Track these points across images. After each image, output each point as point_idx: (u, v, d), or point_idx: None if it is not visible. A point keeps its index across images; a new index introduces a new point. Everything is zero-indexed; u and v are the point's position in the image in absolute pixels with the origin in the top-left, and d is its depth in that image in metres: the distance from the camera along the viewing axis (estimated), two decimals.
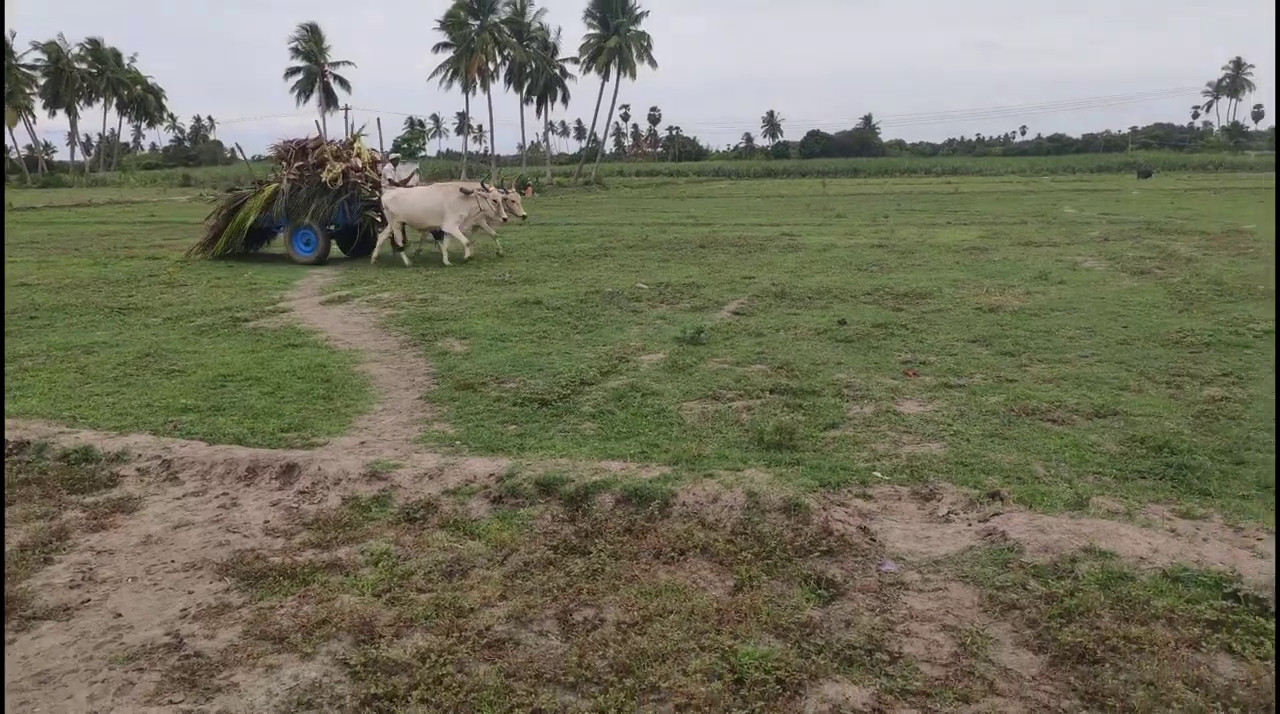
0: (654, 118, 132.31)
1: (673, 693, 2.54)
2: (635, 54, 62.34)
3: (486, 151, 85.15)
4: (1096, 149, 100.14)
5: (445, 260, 15.00)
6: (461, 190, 15.12)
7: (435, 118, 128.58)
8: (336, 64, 75.46)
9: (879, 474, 4.64)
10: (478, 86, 62.12)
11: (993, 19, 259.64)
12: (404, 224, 15.50)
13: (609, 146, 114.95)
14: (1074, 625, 2.80)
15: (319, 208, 15.78)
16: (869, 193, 44.40)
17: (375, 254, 15.94)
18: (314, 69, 74.02)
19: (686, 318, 9.57)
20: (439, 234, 15.57)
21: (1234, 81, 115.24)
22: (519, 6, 63.49)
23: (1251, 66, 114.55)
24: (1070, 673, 2.60)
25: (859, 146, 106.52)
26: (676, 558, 3.35)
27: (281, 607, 3.20)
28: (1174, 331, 8.33)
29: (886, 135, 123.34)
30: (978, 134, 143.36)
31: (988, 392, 6.44)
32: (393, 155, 19.68)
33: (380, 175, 16.77)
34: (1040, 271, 12.57)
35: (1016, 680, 2.61)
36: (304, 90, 74.45)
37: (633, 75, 63.13)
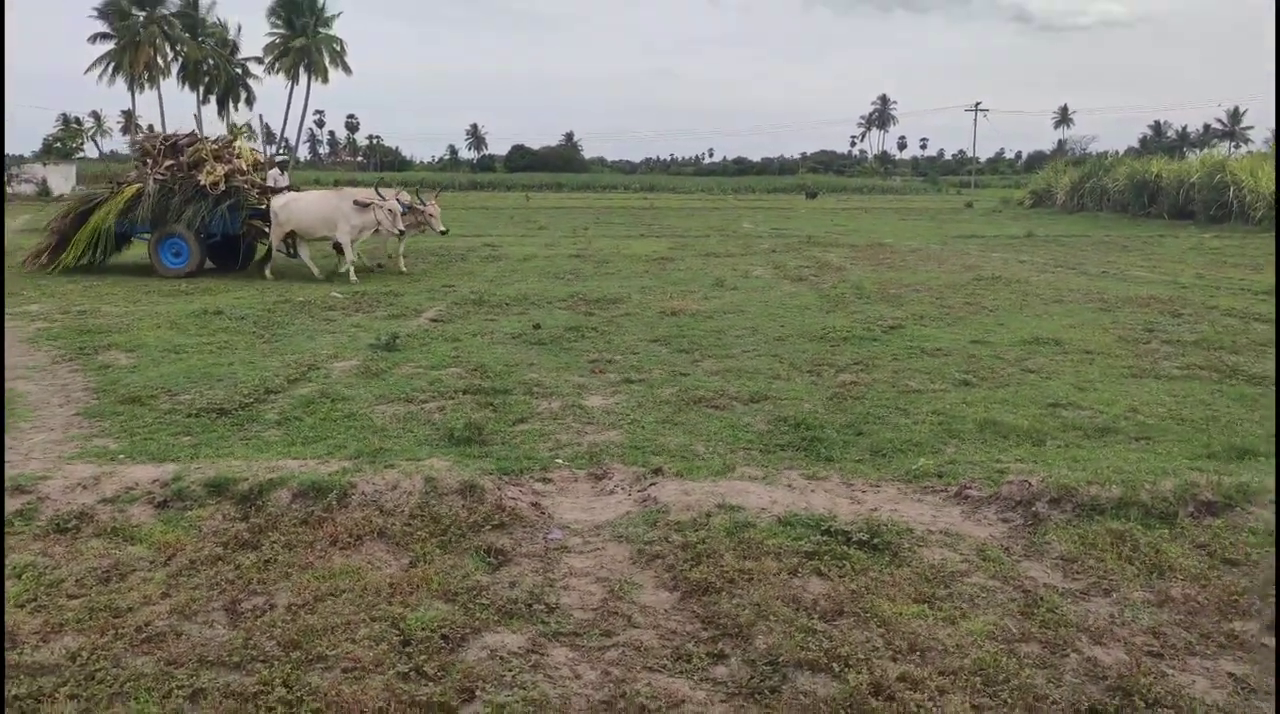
0: (352, 125, 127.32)
1: (340, 659, 2.64)
2: (327, 58, 59.74)
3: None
4: (773, 171, 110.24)
5: (351, 276, 13.40)
6: (355, 202, 13.48)
7: (96, 115, 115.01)
8: None
9: (560, 460, 4.97)
10: (145, 83, 56.24)
11: (670, 49, 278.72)
12: (289, 234, 13.86)
13: (303, 153, 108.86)
14: (702, 566, 3.26)
15: (195, 214, 13.76)
16: (571, 207, 45.81)
17: (268, 269, 14.12)
18: None
19: (383, 325, 9.47)
20: (339, 247, 14.03)
21: (882, 115, 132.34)
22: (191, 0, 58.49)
23: (895, 103, 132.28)
24: (695, 603, 3.04)
25: (562, 162, 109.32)
26: (353, 543, 3.43)
27: None
28: (820, 329, 9.53)
29: (589, 152, 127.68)
30: (671, 154, 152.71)
31: (664, 385, 7.04)
32: (279, 158, 17.74)
33: (264, 179, 14.95)
34: (717, 279, 13.77)
35: (653, 615, 3.00)
36: None
37: (325, 79, 60.45)
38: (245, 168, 14.66)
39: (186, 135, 15.11)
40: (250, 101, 63.90)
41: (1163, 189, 32.16)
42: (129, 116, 72.35)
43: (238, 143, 15.37)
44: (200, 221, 13.85)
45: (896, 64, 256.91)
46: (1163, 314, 10.40)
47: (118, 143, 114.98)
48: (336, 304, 10.94)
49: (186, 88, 60.27)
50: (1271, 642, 2.77)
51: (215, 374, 7.06)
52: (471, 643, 2.76)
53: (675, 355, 8.25)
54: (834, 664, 2.63)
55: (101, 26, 55.19)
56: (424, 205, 14.71)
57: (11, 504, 3.56)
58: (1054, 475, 3.94)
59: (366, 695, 2.44)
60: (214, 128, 60.49)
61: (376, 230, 13.65)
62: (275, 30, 59.73)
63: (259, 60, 61.44)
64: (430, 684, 2.53)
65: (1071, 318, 10.24)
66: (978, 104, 66.01)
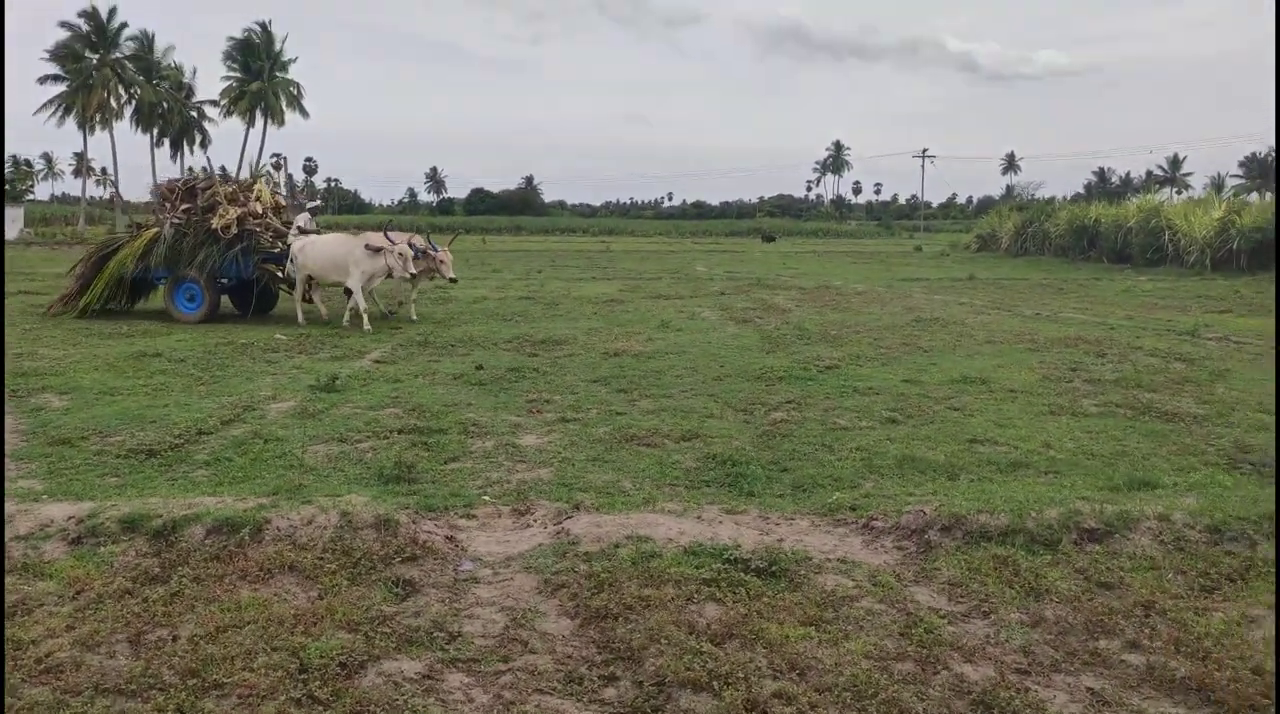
0: (310, 168, 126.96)
1: (235, 686, 2.70)
2: (284, 101, 59.81)
3: (112, 196, 76.51)
4: (731, 215, 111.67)
5: (365, 325, 12.78)
6: (367, 246, 12.95)
7: (47, 157, 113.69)
8: None
9: (487, 497, 5.06)
10: (98, 125, 55.72)
11: (632, 95, 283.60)
12: (310, 278, 13.49)
13: None
14: (603, 594, 3.37)
15: (207, 258, 13.42)
16: (529, 249, 46.07)
17: (301, 317, 13.62)
18: None
19: (325, 367, 9.50)
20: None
21: (836, 160, 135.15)
22: (146, 43, 58.20)
23: (848, 149, 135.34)
24: (594, 629, 3.15)
25: (521, 205, 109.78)
26: (263, 577, 3.49)
27: None
28: (759, 369, 9.73)
29: (549, 196, 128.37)
30: (631, 198, 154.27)
31: (599, 423, 7.16)
32: (311, 204, 16.69)
33: (283, 222, 14.50)
34: (663, 320, 13.98)
35: (551, 641, 3.10)
36: None
37: (280, 123, 60.41)
38: (260, 211, 14.31)
39: (205, 178, 14.87)
40: (205, 144, 63.67)
41: (1101, 233, 33.21)
42: (81, 158, 71.59)
43: (258, 185, 15.02)
44: (212, 266, 13.56)
45: (851, 111, 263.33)
46: (1088, 354, 10.76)
47: (69, 185, 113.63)
48: (280, 346, 10.95)
49: (140, 130, 59.93)
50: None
51: (149, 416, 7.05)
52: (369, 670, 2.84)
53: (614, 395, 8.38)
54: (715, 683, 2.75)
55: (53, 68, 54.76)
56: (435, 251, 13.98)
57: None
58: (947, 505, 4.13)
59: None
60: (168, 171, 59.90)
61: (389, 275, 13.29)
62: (232, 74, 59.76)
63: (215, 103, 61.36)
64: (322, 709, 2.60)
65: (1001, 358, 10.56)
66: (924, 151, 67.98)
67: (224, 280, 13.98)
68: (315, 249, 13.41)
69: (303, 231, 14.41)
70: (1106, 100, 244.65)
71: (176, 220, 13.93)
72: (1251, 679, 2.78)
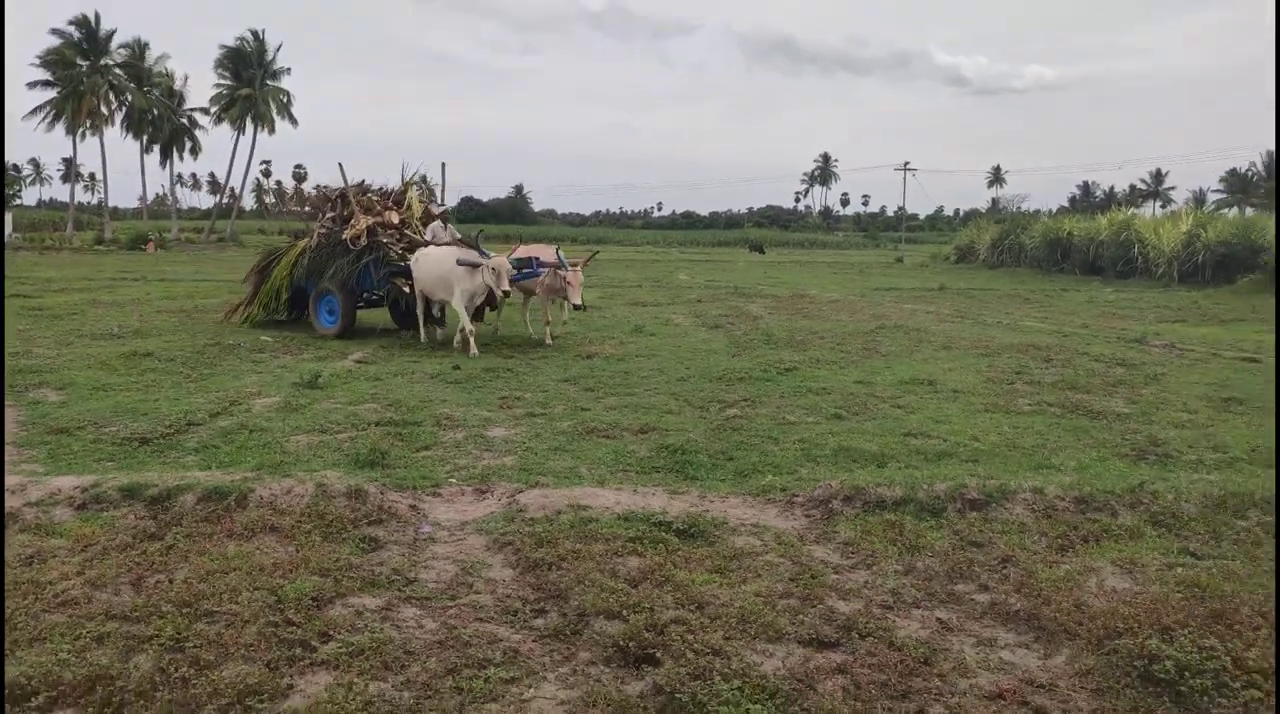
0: (299, 175, 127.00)
1: (223, 615, 3.22)
2: (275, 109, 60.18)
3: (100, 202, 76.70)
4: (720, 226, 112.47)
5: (472, 349, 11.35)
6: (458, 261, 11.51)
7: (35, 162, 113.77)
8: None
9: (453, 480, 5.57)
10: (88, 131, 55.97)
11: (622, 106, 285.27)
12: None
13: (249, 203, 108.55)
14: (543, 549, 3.90)
15: (338, 270, 12.77)
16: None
17: (426, 333, 12.55)
18: None
19: (308, 366, 9.98)
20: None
21: (824, 172, 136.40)
22: (137, 50, 58.56)
23: (836, 161, 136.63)
24: (531, 576, 3.68)
25: (512, 213, 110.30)
26: (248, 535, 4.00)
27: None
28: (721, 371, 10.27)
29: (540, 205, 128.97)
30: (621, 207, 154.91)
31: (564, 418, 7.67)
32: (440, 209, 14.55)
33: (421, 233, 13.35)
34: (637, 326, 14.51)
35: (494, 585, 3.63)
36: None
37: (271, 130, 60.73)
38: (396, 221, 13.29)
39: (356, 185, 13.83)
40: (195, 151, 63.88)
41: (1074, 246, 34.03)
42: (70, 164, 71.80)
43: (409, 193, 14.02)
44: (344, 278, 12.75)
45: (839, 123, 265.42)
46: (1035, 359, 11.34)
47: (58, 190, 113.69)
48: (266, 347, 11.43)
49: (130, 137, 60.20)
50: None
51: (141, 409, 7.53)
52: (336, 604, 3.37)
53: (581, 393, 8.89)
54: (625, 612, 3.28)
55: (43, 74, 55.01)
56: (565, 269, 12.08)
57: None
58: (850, 479, 4.67)
59: (241, 637, 3.03)
60: (156, 178, 59.85)
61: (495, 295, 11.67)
62: (223, 81, 60.08)
63: (205, 111, 61.66)
64: (296, 629, 3.12)
65: (953, 362, 11.13)
66: (906, 163, 69.07)
67: (377, 293, 13.01)
68: (422, 264, 12.17)
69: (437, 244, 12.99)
70: (1093, 114, 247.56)
71: (322, 230, 13.38)
72: (1071, 610, 3.32)
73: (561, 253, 12.49)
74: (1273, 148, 78.32)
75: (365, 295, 13.15)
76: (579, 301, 12.02)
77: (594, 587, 3.45)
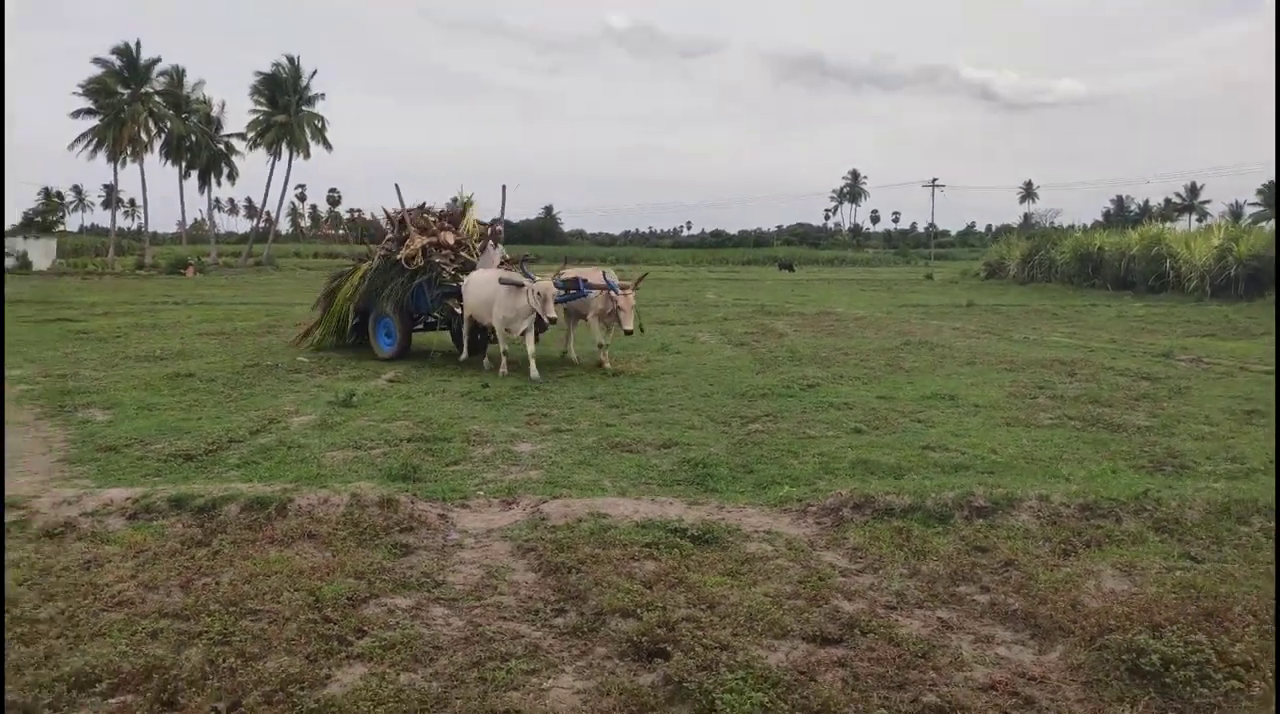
0: (334, 199, 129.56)
1: (266, 612, 3.49)
2: (309, 134, 61.48)
3: (140, 228, 78.60)
4: (749, 244, 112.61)
5: (532, 371, 10.99)
6: (501, 280, 11.28)
7: (77, 189, 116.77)
8: None
9: (481, 492, 5.81)
10: (128, 158, 57.50)
11: (650, 125, 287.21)
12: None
13: (285, 227, 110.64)
14: (564, 553, 4.12)
15: (392, 292, 12.58)
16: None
17: (467, 353, 12.43)
18: None
19: (343, 385, 10.30)
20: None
21: (853, 189, 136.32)
22: (176, 78, 60.22)
23: (865, 177, 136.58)
24: (552, 579, 3.90)
25: (542, 234, 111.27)
26: (288, 542, 4.26)
27: None
28: (745, 387, 10.45)
29: (570, 225, 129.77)
30: (650, 227, 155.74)
31: (589, 434, 7.89)
32: (494, 227, 13.90)
33: (476, 254, 13.18)
34: (663, 344, 14.71)
35: (517, 587, 3.86)
36: None
37: (306, 155, 62.03)
38: (451, 241, 13.04)
39: (418, 207, 13.60)
40: (233, 176, 65.48)
41: (1105, 261, 33.76)
42: (110, 190, 73.72)
43: (468, 215, 13.78)
44: (397, 299, 12.57)
45: (868, 139, 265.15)
46: (1059, 374, 11.39)
47: (99, 216, 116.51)
48: (303, 367, 11.79)
49: (169, 163, 61.79)
50: None
51: (184, 428, 7.86)
52: (370, 603, 3.61)
53: (606, 410, 9.11)
54: (639, 611, 3.48)
55: (85, 103, 56.67)
56: (617, 292, 11.60)
57: (6, 517, 4.35)
58: (861, 487, 4.84)
59: (283, 633, 3.28)
60: (194, 203, 61.37)
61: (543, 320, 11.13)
62: (259, 108, 61.55)
63: (242, 136, 63.16)
64: (333, 626, 3.37)
65: (977, 377, 11.21)
66: (934, 179, 69.08)
67: (434, 316, 12.90)
68: (471, 286, 11.93)
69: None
70: (1127, 128, 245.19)
71: (382, 252, 13.29)
72: (1067, 609, 3.47)
73: (611, 275, 12.05)
74: None
75: (422, 317, 12.99)
76: (630, 326, 11.56)
77: (611, 588, 3.66)
